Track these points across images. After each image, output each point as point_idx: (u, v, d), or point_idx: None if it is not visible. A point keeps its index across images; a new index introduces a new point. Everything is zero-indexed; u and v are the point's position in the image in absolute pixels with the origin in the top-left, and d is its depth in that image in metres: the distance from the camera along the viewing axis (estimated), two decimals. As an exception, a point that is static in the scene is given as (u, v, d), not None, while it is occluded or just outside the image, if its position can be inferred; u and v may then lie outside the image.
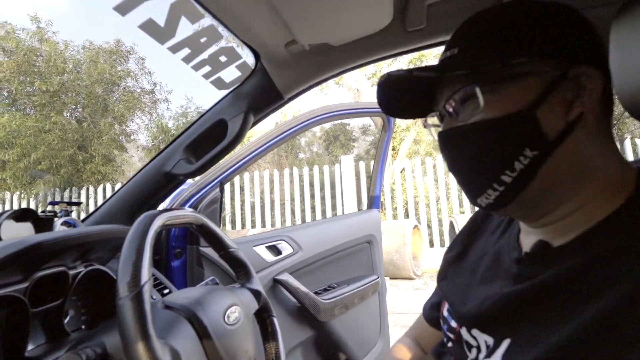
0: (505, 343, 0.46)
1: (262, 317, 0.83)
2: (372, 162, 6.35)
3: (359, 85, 8.83)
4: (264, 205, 6.67)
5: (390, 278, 4.83)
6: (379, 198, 1.88)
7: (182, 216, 0.70)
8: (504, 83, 0.44)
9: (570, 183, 0.44)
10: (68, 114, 8.42)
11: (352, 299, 1.56)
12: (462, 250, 0.66)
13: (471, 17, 0.51)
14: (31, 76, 8.20)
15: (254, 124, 0.98)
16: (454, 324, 0.58)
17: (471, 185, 0.49)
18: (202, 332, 0.61)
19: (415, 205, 6.14)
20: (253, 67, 0.92)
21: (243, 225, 6.78)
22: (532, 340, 0.43)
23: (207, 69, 0.86)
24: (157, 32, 0.70)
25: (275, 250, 1.42)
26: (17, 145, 7.60)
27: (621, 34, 0.60)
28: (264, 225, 6.65)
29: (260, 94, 0.94)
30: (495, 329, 0.48)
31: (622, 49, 0.59)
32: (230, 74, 0.93)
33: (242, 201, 6.75)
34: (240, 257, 0.83)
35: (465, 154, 0.47)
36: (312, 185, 6.51)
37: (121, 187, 1.08)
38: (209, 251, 1.25)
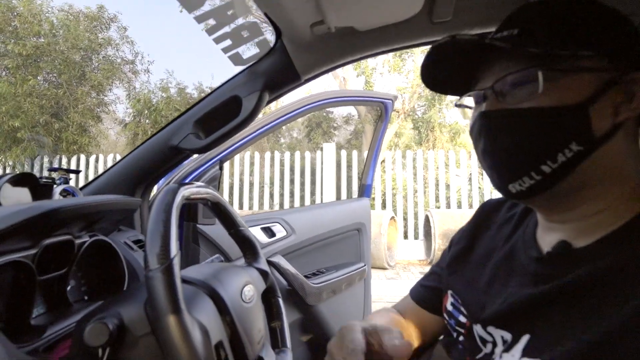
0: (525, 338, 0.47)
1: (269, 297, 0.83)
2: (353, 152, 6.39)
3: (345, 73, 8.80)
4: (242, 187, 6.61)
5: (365, 267, 4.91)
6: (370, 187, 1.90)
7: (201, 192, 0.69)
8: (567, 73, 0.44)
9: (602, 183, 0.46)
10: (42, 80, 7.99)
11: (340, 285, 1.59)
12: (469, 243, 0.66)
13: (535, 1, 0.50)
14: (6, 36, 7.73)
15: (269, 102, 0.96)
16: (462, 319, 0.59)
17: (506, 170, 0.48)
18: (223, 309, 0.61)
19: (393, 197, 6.23)
20: (273, 45, 0.90)
21: (220, 206, 6.71)
22: (555, 336, 0.44)
23: (227, 42, 0.84)
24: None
25: (269, 232, 1.42)
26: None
27: None
28: (241, 207, 6.60)
29: (278, 73, 0.92)
30: (513, 325, 0.49)
31: None
32: (249, 50, 0.91)
33: (221, 182, 6.67)
34: (249, 237, 0.83)
35: (509, 138, 0.47)
36: (292, 170, 6.49)
37: (123, 158, 1.04)
38: (206, 228, 1.23)
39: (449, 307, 0.63)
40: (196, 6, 0.69)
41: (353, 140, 10.09)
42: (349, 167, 6.48)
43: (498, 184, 0.50)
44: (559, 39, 0.45)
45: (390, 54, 7.87)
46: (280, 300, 0.85)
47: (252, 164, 6.56)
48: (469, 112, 0.55)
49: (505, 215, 0.64)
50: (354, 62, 0.93)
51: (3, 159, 7.49)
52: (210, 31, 0.77)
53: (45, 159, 7.18)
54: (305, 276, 1.48)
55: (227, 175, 6.64)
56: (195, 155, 1.29)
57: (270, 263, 1.38)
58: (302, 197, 6.39)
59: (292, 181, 6.51)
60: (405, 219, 6.13)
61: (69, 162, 6.88)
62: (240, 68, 0.95)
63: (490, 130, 0.48)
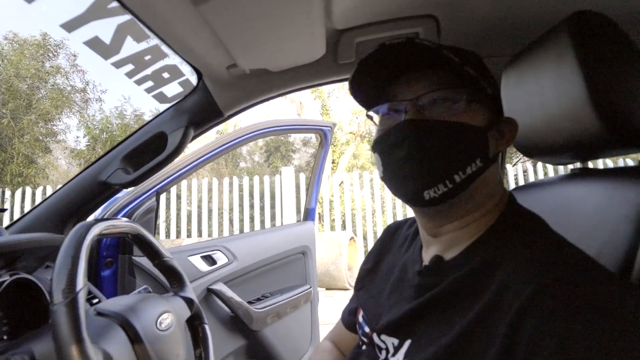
0: (407, 343, 0.54)
1: (194, 324, 0.86)
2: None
3: (302, 98, 9.01)
4: (202, 215, 6.51)
5: (327, 289, 4.93)
6: (314, 210, 1.97)
7: (119, 226, 0.72)
8: (479, 101, 0.53)
9: (482, 199, 0.55)
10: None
11: (285, 308, 1.62)
12: (375, 263, 0.74)
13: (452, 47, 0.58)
14: None
15: (194, 137, 1.02)
16: (367, 329, 0.65)
17: (426, 177, 0.51)
18: (134, 337, 0.64)
19: (352, 217, 6.34)
20: (195, 85, 0.96)
21: (178, 235, 6.56)
22: (427, 341, 0.50)
23: (149, 84, 0.89)
24: (102, 49, 0.72)
25: (210, 260, 1.45)
26: None
27: (509, 83, 0.74)
28: (200, 235, 6.48)
29: (201, 110, 0.98)
30: (399, 332, 0.56)
31: (509, 95, 0.73)
32: (173, 89, 0.96)
33: (179, 210, 6.53)
34: (174, 266, 0.87)
35: (433, 146, 0.51)
36: (252, 195, 6.49)
37: (51, 195, 1.05)
38: (142, 260, 1.25)
39: (360, 319, 0.69)
40: (112, 54, 0.74)
41: (312, 163, 10.22)
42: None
43: (413, 191, 0.53)
44: (486, 75, 0.56)
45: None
46: (207, 327, 0.89)
47: (210, 190, 6.49)
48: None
49: (404, 235, 0.72)
50: (273, 99, 1.01)
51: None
52: (130, 74, 0.82)
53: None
54: (249, 302, 1.51)
55: (185, 203, 6.52)
56: (131, 188, 1.31)
57: (211, 291, 1.40)
58: (262, 222, 6.37)
59: (251, 206, 6.49)
60: (365, 239, 6.24)
61: (12, 195, 6.53)
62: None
63: (416, 138, 0.52)
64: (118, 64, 0.78)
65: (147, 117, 8.92)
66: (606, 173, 0.63)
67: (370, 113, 0.62)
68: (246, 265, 1.54)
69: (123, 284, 1.23)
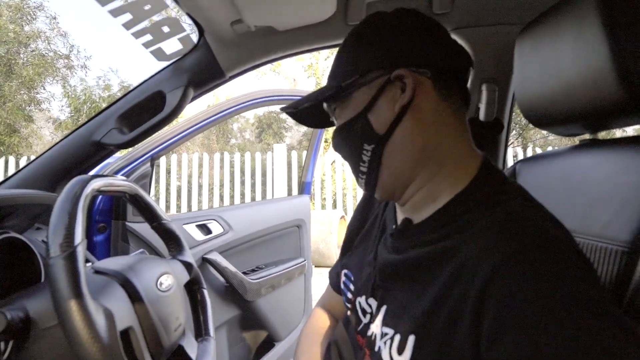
0: (383, 309, 0.54)
1: (193, 288, 0.84)
2: (304, 152, 6.44)
3: (295, 74, 8.85)
4: (191, 190, 6.45)
5: (316, 266, 4.96)
6: (309, 184, 1.95)
7: (116, 184, 0.69)
8: (349, 95, 0.54)
9: (411, 165, 0.53)
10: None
11: (279, 280, 1.61)
12: (359, 224, 0.73)
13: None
14: None
15: (193, 99, 0.98)
16: (349, 295, 0.65)
17: (353, 174, 0.59)
18: (135, 296, 0.62)
19: (343, 196, 6.35)
20: (196, 42, 0.91)
21: (167, 209, 6.51)
22: (401, 308, 0.50)
23: (148, 37, 0.84)
24: (99, -8, 0.67)
25: (205, 229, 1.42)
26: None
27: (523, 51, 0.71)
28: (190, 210, 6.44)
29: (202, 70, 0.94)
30: (377, 295, 0.56)
31: (523, 63, 0.70)
32: (172, 45, 0.92)
33: (168, 184, 6.46)
34: (172, 229, 0.84)
35: (340, 152, 0.59)
36: (242, 171, 6.44)
37: (42, 153, 1.01)
38: (136, 226, 1.22)
39: (342, 286, 0.69)
40: (109, 0, 0.69)
41: (304, 142, 10.15)
42: (300, 167, 6.52)
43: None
44: (332, 78, 0.57)
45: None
46: (205, 292, 0.87)
47: (200, 165, 6.42)
48: None
49: None
50: (276, 60, 0.97)
51: None
52: (127, 25, 0.77)
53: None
54: (244, 272, 1.50)
55: (175, 178, 6.45)
56: (125, 152, 1.27)
57: (206, 260, 1.38)
58: (253, 199, 6.34)
59: (242, 182, 6.45)
60: (355, 218, 6.25)
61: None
62: (164, 64, 0.96)
63: (334, 146, 0.61)
64: (116, 12, 0.73)
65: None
66: (616, 143, 0.62)
67: None
68: (241, 235, 1.53)
69: (116, 250, 1.20)
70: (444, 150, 0.52)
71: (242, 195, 6.49)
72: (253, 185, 6.37)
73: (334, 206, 6.30)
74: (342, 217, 5.33)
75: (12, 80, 7.79)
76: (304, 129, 10.42)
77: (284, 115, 10.06)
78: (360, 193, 6.22)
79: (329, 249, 4.80)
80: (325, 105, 0.61)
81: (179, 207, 6.46)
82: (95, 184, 0.61)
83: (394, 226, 0.60)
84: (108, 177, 0.67)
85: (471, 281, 0.41)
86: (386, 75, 0.52)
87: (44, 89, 8.46)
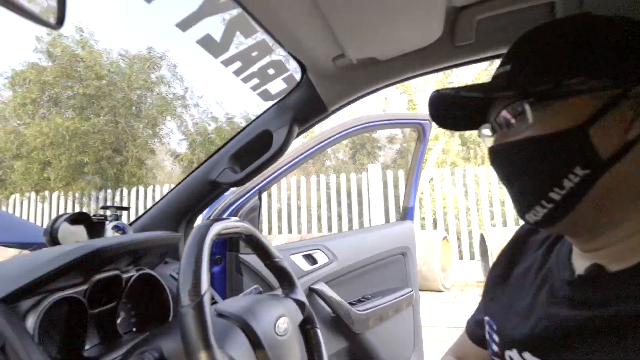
0: None
1: (306, 328, 0.83)
2: (399, 171, 6.32)
3: (387, 93, 8.80)
4: (291, 212, 6.71)
5: (419, 290, 4.75)
6: (412, 209, 1.86)
7: (234, 226, 0.71)
8: (556, 100, 0.43)
9: (627, 204, 0.43)
10: (104, 117, 8.77)
11: (387, 311, 1.55)
12: (506, 268, 0.64)
13: (526, 33, 0.50)
14: (72, 80, 8.63)
15: (298, 134, 0.99)
16: (495, 347, 0.57)
17: (520, 201, 0.48)
18: (256, 342, 0.62)
19: (444, 216, 6.02)
20: (299, 80, 0.93)
21: (270, 231, 6.84)
22: None
23: (255, 81, 0.89)
24: (213, 46, 0.72)
25: (311, 259, 1.43)
26: (64, 146, 7.98)
27: None
28: (290, 232, 6.68)
29: (305, 106, 0.95)
30: (549, 353, 0.46)
31: None
32: (277, 85, 0.95)
33: (270, 207, 6.81)
34: (284, 267, 0.84)
35: (513, 170, 0.48)
36: (338, 192, 6.51)
37: (166, 194, 1.11)
38: (248, 258, 1.27)
39: (488, 336, 0.61)
40: (221, 52, 0.74)
41: (399, 160, 9.96)
42: (396, 186, 6.38)
43: (518, 215, 0.50)
44: (542, 71, 0.45)
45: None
46: (319, 331, 0.85)
47: (298, 188, 6.66)
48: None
49: (541, 238, 0.62)
50: (379, 90, 0.94)
51: (71, 192, 8.19)
52: (237, 73, 0.82)
53: (109, 191, 7.75)
54: (350, 303, 1.47)
55: (275, 200, 6.77)
56: (234, 188, 1.35)
57: (313, 290, 1.38)
58: (350, 219, 6.36)
59: (339, 203, 6.51)
60: (459, 239, 5.87)
61: (129, 194, 7.38)
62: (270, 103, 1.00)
63: (499, 164, 0.50)
64: (227, 62, 0.78)
65: (238, 120, 9.53)
66: None
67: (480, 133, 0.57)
68: (346, 265, 1.50)
69: (231, 281, 1.26)
70: None
71: (339, 216, 6.55)
72: (349, 205, 6.40)
73: (434, 226, 6.00)
74: (445, 237, 5.05)
75: (141, 121, 9.09)
76: (396, 147, 10.26)
77: (376, 135, 10.06)
78: (464, 211, 5.84)
79: (432, 271, 4.56)
80: (501, 103, 0.48)
81: (279, 228, 6.75)
82: (216, 228, 0.64)
83: (575, 273, 0.49)
84: (226, 220, 0.69)
85: None
86: (620, 89, 0.42)
87: (165, 125, 9.72)
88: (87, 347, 0.77)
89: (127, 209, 1.36)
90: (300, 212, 6.68)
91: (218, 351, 0.51)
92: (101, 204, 7.48)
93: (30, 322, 0.64)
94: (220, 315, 0.66)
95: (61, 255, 0.65)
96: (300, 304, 0.82)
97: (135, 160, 8.74)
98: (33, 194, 7.97)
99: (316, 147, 1.40)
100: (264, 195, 6.96)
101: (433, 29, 0.76)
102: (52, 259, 0.64)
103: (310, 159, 1.43)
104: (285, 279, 0.84)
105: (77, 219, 0.95)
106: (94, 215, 1.01)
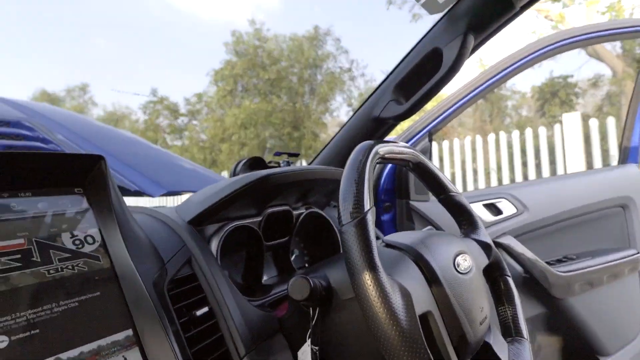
0: None
1: (494, 275, 0.68)
2: (607, 120, 5.08)
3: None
4: (466, 176, 6.22)
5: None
6: (636, 149, 1.42)
7: (400, 152, 0.61)
8: None
9: None
10: (284, 98, 9.83)
11: (600, 276, 1.23)
12: None
13: None
14: (255, 69, 9.93)
15: (474, 49, 0.81)
16: None
17: None
18: (431, 276, 0.52)
19: None
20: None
21: (443, 197, 6.53)
22: None
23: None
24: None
25: (494, 209, 1.23)
26: (254, 126, 9.38)
27: None
28: (465, 197, 6.24)
29: (483, 6, 0.76)
30: None
31: None
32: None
33: (441, 171, 6.48)
34: (463, 203, 0.70)
35: None
36: (523, 151, 5.69)
37: (333, 137, 1.09)
38: (419, 205, 1.16)
39: None
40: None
41: (606, 107, 8.04)
42: (603, 139, 5.18)
43: None
44: None
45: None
46: (510, 280, 0.69)
47: (473, 149, 6.10)
48: None
49: None
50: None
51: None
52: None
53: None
54: (547, 263, 1.22)
55: (448, 165, 6.37)
56: (405, 128, 1.24)
57: (498, 244, 1.19)
58: (538, 181, 5.53)
59: (524, 164, 5.70)
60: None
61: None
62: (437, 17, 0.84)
63: None
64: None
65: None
66: None
67: None
68: (540, 217, 1.25)
69: (402, 229, 1.18)
70: None
71: (525, 178, 5.74)
72: (537, 165, 5.53)
73: None
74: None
75: (314, 98, 9.85)
76: (602, 92, 8.30)
77: (573, 79, 8.32)
78: None
79: None
80: None
81: (454, 194, 6.36)
82: (379, 149, 0.55)
83: None
84: (391, 143, 0.60)
85: None
86: None
87: (334, 99, 10.29)
88: (265, 277, 0.81)
89: (298, 154, 1.44)
90: (477, 176, 6.12)
91: (385, 275, 0.43)
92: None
93: (214, 244, 0.68)
94: (389, 245, 0.59)
95: (237, 181, 0.68)
96: (485, 246, 0.67)
97: (311, 134, 9.54)
98: (236, 173, 9.85)
99: (501, 75, 1.16)
100: (435, 160, 6.64)
101: None
102: (229, 184, 0.67)
103: (489, 91, 1.20)
104: (464, 217, 0.70)
105: (254, 163, 1.01)
106: (269, 162, 1.06)
